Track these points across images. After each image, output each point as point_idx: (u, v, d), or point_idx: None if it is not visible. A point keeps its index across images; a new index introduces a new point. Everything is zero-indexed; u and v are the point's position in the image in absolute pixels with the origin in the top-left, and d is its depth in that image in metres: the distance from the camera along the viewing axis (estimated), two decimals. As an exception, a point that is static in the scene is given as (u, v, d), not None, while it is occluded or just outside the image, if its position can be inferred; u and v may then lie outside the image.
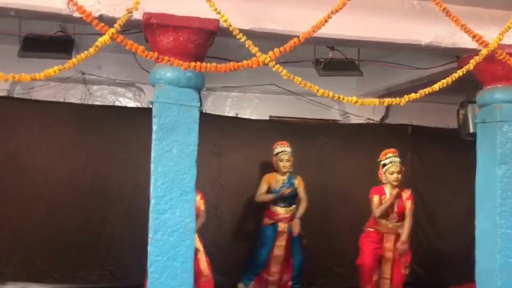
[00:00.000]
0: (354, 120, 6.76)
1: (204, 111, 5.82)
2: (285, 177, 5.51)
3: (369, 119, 6.77)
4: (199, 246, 4.53)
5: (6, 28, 4.38)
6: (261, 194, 5.47)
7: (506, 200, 3.92)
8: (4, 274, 5.54)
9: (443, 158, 6.64)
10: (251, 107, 6.77)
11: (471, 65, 3.09)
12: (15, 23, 4.37)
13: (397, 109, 6.95)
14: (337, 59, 4.81)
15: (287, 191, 5.39)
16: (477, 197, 4.14)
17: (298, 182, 5.57)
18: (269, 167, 6.16)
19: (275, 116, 6.78)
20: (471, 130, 4.50)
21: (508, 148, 3.95)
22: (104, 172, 5.82)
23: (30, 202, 5.63)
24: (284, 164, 5.45)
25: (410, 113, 6.82)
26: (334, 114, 6.94)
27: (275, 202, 5.50)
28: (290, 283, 5.55)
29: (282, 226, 5.46)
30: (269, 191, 5.50)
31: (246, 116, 6.59)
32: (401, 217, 4.95)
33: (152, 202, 3.52)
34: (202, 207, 4.80)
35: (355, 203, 6.17)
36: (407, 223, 4.89)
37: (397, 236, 4.93)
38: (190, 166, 3.59)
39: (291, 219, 5.50)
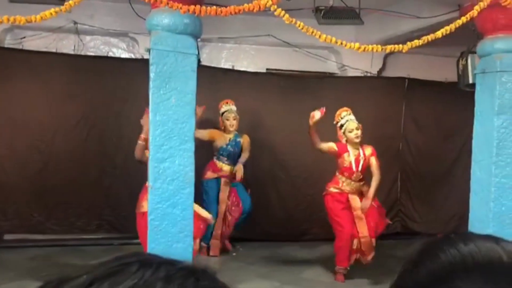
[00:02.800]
0: (351, 73, 6.70)
1: (201, 63, 5.73)
2: (231, 135, 5.49)
3: (366, 72, 6.71)
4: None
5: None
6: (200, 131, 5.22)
7: (503, 150, 3.96)
8: (0, 227, 5.59)
9: (437, 112, 6.66)
10: (248, 59, 6.66)
11: (475, 11, 3.03)
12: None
13: (394, 62, 6.89)
14: (338, 7, 4.71)
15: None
16: (474, 147, 4.18)
17: (244, 140, 5.58)
18: (265, 122, 6.17)
19: (272, 69, 6.69)
20: (470, 81, 4.47)
21: (507, 98, 3.96)
22: (100, 123, 5.79)
23: (25, 154, 5.61)
24: (231, 122, 5.42)
25: (408, 66, 6.77)
26: (331, 67, 6.86)
27: (220, 157, 5.50)
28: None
29: (224, 182, 5.48)
30: (215, 147, 5.48)
31: (242, 69, 6.50)
32: (363, 177, 4.88)
33: (151, 151, 3.53)
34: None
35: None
36: (375, 180, 4.77)
37: (361, 195, 4.86)
38: (189, 115, 3.58)
39: (232, 178, 5.50)
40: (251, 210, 5.60)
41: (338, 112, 4.87)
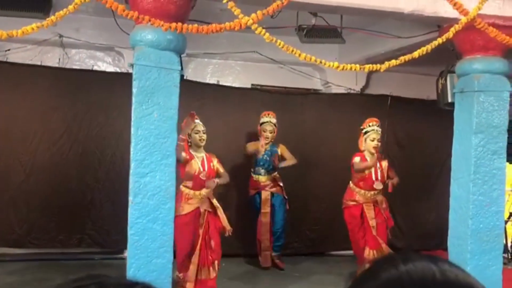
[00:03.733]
0: (335, 90, 6.78)
1: (185, 77, 5.76)
2: (267, 146, 5.61)
3: (350, 89, 6.80)
4: (217, 204, 4.64)
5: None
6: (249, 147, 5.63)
7: (480, 168, 4.03)
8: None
9: (419, 129, 6.77)
10: (233, 74, 6.72)
11: (450, 33, 3.11)
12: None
13: (378, 79, 7.00)
14: (320, 26, 4.79)
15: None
16: (452, 165, 4.24)
17: (281, 149, 5.70)
18: (250, 135, 6.20)
19: (257, 84, 6.75)
20: (450, 100, 4.56)
21: (484, 117, 4.04)
22: (83, 137, 5.77)
23: (8, 166, 5.56)
24: (267, 134, 5.55)
25: (391, 84, 6.87)
26: (315, 84, 6.94)
27: (257, 170, 5.60)
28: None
29: (265, 194, 5.59)
30: (253, 157, 5.63)
31: (227, 84, 6.55)
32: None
33: (132, 165, 3.52)
34: (222, 169, 4.86)
35: (333, 171, 6.29)
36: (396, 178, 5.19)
37: (375, 203, 5.07)
38: (171, 130, 3.59)
39: (273, 186, 5.62)
40: (283, 227, 5.69)
41: (368, 120, 5.11)
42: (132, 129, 3.52)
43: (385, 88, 6.88)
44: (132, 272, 3.49)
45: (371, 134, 4.98)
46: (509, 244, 6.63)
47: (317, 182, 6.42)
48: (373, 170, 5.03)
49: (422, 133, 6.75)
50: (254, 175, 5.67)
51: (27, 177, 5.61)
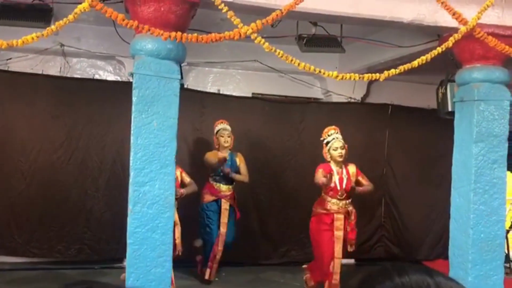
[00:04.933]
0: (335, 98, 6.79)
1: (186, 86, 5.78)
2: (226, 154, 5.48)
3: (350, 98, 6.80)
4: (177, 220, 4.54)
5: (-19, -5, 4.25)
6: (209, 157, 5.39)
7: (480, 177, 4.01)
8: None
9: (420, 138, 6.76)
10: (234, 83, 6.74)
11: (450, 42, 3.12)
12: (-10, -10, 4.24)
13: (378, 88, 7.00)
14: (320, 35, 4.80)
15: (227, 170, 5.37)
16: (453, 174, 4.23)
17: (239, 159, 5.58)
18: (251, 144, 6.21)
19: (258, 93, 6.76)
20: (450, 109, 4.56)
21: (484, 126, 4.03)
22: (84, 145, 5.77)
23: (8, 175, 5.57)
24: (225, 139, 5.44)
25: (392, 93, 6.88)
26: (316, 93, 6.95)
27: (217, 179, 5.47)
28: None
29: (225, 204, 5.44)
30: (210, 167, 5.46)
31: (228, 93, 6.56)
32: (349, 194, 4.88)
33: (131, 174, 3.52)
34: (188, 179, 4.80)
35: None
36: (367, 186, 4.92)
37: (346, 214, 4.85)
38: (171, 139, 3.58)
39: (231, 197, 5.50)
40: (233, 240, 5.52)
41: (326, 130, 4.92)
42: (132, 138, 3.52)
43: (386, 97, 6.89)
44: (131, 281, 3.47)
45: (333, 143, 4.79)
46: (511, 254, 6.59)
47: (316, 190, 6.39)
48: (337, 177, 4.81)
49: (423, 142, 6.74)
50: (214, 183, 5.49)
51: (27, 185, 5.61)
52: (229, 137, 5.48)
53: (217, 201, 5.46)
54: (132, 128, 3.52)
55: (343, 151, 4.80)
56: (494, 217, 4.04)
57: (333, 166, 4.83)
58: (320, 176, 4.72)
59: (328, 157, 4.85)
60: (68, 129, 5.74)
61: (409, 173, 6.80)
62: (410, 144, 6.77)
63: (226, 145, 5.47)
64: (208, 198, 5.46)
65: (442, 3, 3.11)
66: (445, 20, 3.75)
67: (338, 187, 4.81)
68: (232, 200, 5.55)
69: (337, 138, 4.83)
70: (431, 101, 6.12)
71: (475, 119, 4.04)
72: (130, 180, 3.53)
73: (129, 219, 3.51)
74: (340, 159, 4.80)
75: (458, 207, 4.15)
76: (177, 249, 4.47)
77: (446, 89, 4.60)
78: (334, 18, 3.93)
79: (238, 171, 5.54)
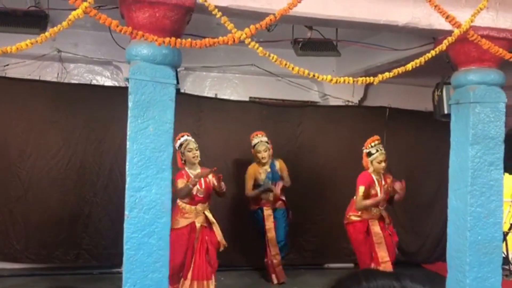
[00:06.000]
0: (333, 102, 6.80)
1: (183, 91, 5.79)
2: (267, 166, 5.54)
3: (347, 101, 6.81)
4: (213, 219, 4.64)
5: (-23, 2, 4.27)
6: (250, 191, 5.53)
7: (477, 179, 4.01)
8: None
9: (418, 140, 6.76)
10: (231, 87, 6.75)
11: (443, 45, 3.12)
12: (-14, -3, 4.26)
13: (375, 91, 7.01)
14: (315, 39, 4.81)
15: (275, 188, 5.46)
16: (450, 176, 4.22)
17: (280, 166, 5.64)
18: (248, 149, 6.21)
19: (255, 97, 6.77)
20: (446, 111, 4.56)
21: (480, 128, 4.03)
22: (81, 151, 5.78)
23: (6, 181, 5.57)
24: (262, 155, 5.46)
25: (389, 95, 6.89)
26: (313, 96, 6.96)
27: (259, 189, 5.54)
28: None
29: (267, 211, 5.54)
30: (255, 182, 5.53)
31: (225, 97, 6.57)
32: (387, 202, 5.02)
33: (128, 179, 3.52)
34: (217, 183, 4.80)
35: (331, 183, 6.29)
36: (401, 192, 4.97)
37: (381, 218, 4.96)
38: (167, 144, 3.58)
39: (274, 202, 5.58)
40: (287, 238, 5.65)
41: (369, 140, 4.97)
42: (128, 143, 3.52)
43: (383, 100, 6.90)
44: (128, 287, 3.47)
45: (377, 156, 4.83)
46: (510, 256, 6.58)
47: (315, 194, 6.41)
48: (379, 188, 4.89)
49: (420, 144, 6.74)
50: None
51: (25, 191, 5.62)
52: (265, 151, 5.46)
53: (261, 209, 5.57)
54: (128, 133, 3.53)
55: (386, 164, 4.89)
56: (491, 219, 4.03)
57: (374, 177, 4.90)
58: (360, 199, 4.82)
59: (370, 168, 4.91)
60: (65, 135, 5.75)
61: (408, 176, 6.77)
62: (407, 147, 6.78)
63: (264, 161, 5.51)
64: (253, 207, 5.62)
65: (435, 6, 3.12)
66: (440, 23, 3.75)
67: (378, 194, 4.88)
68: (278, 203, 5.59)
69: (380, 150, 4.89)
70: (428, 104, 6.12)
71: (471, 121, 4.04)
72: (127, 185, 3.53)
73: (125, 225, 3.51)
74: (383, 171, 4.92)
75: (455, 210, 4.14)
76: (222, 244, 4.60)
77: (442, 91, 4.60)
78: (329, 22, 3.94)
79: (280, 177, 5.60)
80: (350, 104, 6.84)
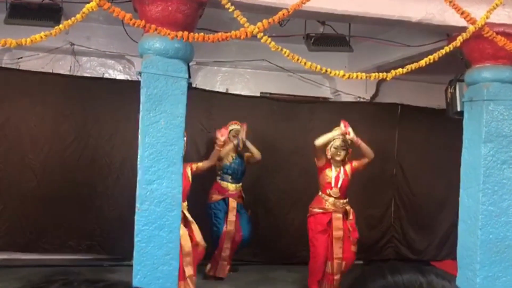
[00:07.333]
0: (344, 98, 6.77)
1: (194, 85, 5.79)
2: (235, 155, 5.55)
3: (359, 97, 6.78)
4: (191, 218, 4.62)
5: (-7, -5, 4.31)
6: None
7: (489, 177, 3.98)
8: (-7, 244, 5.58)
9: (429, 138, 6.71)
10: (242, 82, 6.75)
11: (458, 41, 3.09)
12: (2, -10, 4.30)
13: (387, 88, 6.97)
14: (328, 35, 4.79)
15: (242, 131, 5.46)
16: (462, 174, 4.19)
17: (246, 155, 5.64)
18: (258, 144, 6.21)
19: (266, 93, 6.76)
20: (459, 109, 4.52)
21: (493, 126, 3.99)
22: (93, 144, 5.82)
23: (19, 173, 5.64)
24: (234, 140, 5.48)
25: (401, 92, 6.84)
26: (325, 92, 6.94)
27: (224, 177, 5.53)
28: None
29: (232, 203, 5.49)
30: (218, 166, 5.50)
31: (236, 92, 6.57)
32: (344, 194, 4.94)
33: (139, 172, 3.55)
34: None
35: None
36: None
37: (345, 213, 4.92)
38: (178, 138, 3.60)
39: (239, 196, 5.56)
40: (250, 238, 5.59)
41: (336, 128, 4.94)
42: (140, 137, 3.54)
43: (395, 97, 6.85)
44: (138, 279, 3.50)
45: (334, 142, 4.84)
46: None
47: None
48: (334, 175, 4.88)
49: (432, 142, 6.69)
50: (222, 182, 5.55)
51: (38, 183, 5.68)
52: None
53: (225, 200, 5.50)
54: (140, 127, 3.55)
55: (343, 153, 4.86)
56: (503, 218, 4.00)
57: (332, 163, 4.91)
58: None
59: (329, 154, 4.90)
60: (78, 128, 5.79)
61: (418, 173, 6.75)
62: (420, 144, 6.73)
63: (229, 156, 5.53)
64: (216, 197, 5.52)
65: (450, 2, 3.08)
66: (454, 19, 3.71)
67: (333, 185, 4.88)
68: (240, 199, 5.57)
69: (339, 138, 4.88)
70: (440, 101, 6.07)
71: (484, 119, 4.00)
72: (138, 178, 3.56)
73: (136, 217, 3.54)
74: (338, 158, 4.89)
75: (467, 208, 4.11)
76: (201, 244, 4.61)
77: (455, 88, 4.57)
78: (342, 17, 3.92)
79: (244, 169, 5.61)
80: (362, 100, 6.80)
